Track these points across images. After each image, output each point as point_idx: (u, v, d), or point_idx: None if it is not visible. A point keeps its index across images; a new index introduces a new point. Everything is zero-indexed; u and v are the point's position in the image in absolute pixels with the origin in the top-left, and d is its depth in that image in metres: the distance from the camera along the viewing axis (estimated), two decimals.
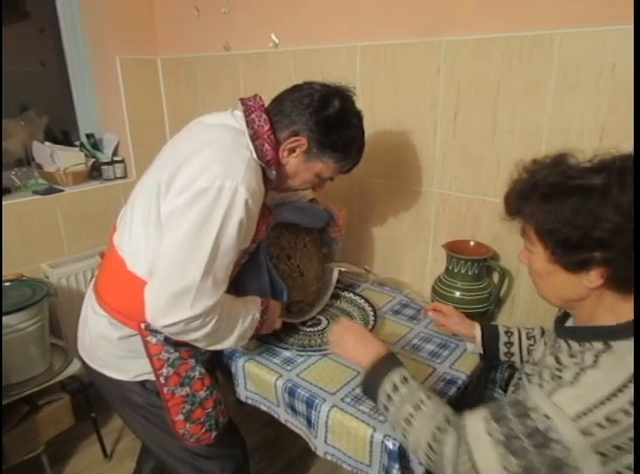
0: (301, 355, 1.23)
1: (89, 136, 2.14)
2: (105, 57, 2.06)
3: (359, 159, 1.12)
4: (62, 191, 1.95)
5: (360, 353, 1.00)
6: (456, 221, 1.43)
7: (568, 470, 0.69)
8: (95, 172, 2.15)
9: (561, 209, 0.73)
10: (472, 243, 1.38)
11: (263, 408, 1.23)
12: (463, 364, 1.20)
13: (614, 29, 1.05)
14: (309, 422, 1.10)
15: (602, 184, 0.71)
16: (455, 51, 1.29)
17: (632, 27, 1.02)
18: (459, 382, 1.13)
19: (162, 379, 1.10)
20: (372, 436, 0.98)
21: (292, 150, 1.04)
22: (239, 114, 1.04)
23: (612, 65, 1.07)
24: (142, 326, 1.05)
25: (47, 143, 2.01)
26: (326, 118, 1.02)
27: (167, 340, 1.06)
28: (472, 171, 1.35)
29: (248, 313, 1.09)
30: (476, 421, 0.77)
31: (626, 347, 0.70)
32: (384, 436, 0.97)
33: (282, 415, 1.18)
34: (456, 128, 1.35)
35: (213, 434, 1.17)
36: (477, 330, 1.17)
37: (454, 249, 1.33)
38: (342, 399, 1.07)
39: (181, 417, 1.12)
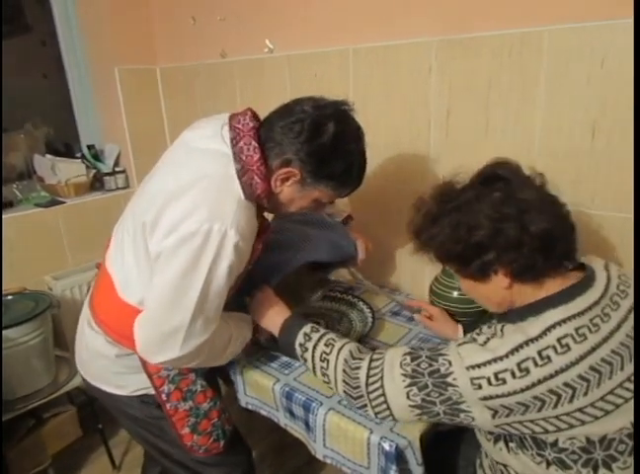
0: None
1: (90, 147, 2.16)
2: (104, 68, 2.08)
3: (359, 183, 1.05)
4: (64, 202, 1.97)
5: (268, 316, 1.11)
6: None
7: (461, 412, 0.79)
8: (97, 183, 2.17)
9: (442, 229, 0.84)
10: None
11: (263, 413, 1.23)
12: None
13: (603, 24, 1.05)
14: (307, 425, 1.10)
15: (466, 199, 0.83)
16: (446, 51, 1.29)
17: (621, 22, 1.02)
18: None
19: (164, 396, 1.10)
20: (369, 439, 0.98)
21: (286, 180, 0.98)
22: (228, 135, 0.97)
23: (602, 61, 1.06)
24: None
25: (49, 156, 2.04)
26: (319, 148, 0.93)
27: None
28: (466, 169, 1.34)
29: (240, 334, 1.10)
30: (396, 353, 0.88)
31: (533, 320, 0.78)
32: (381, 438, 0.96)
33: (282, 419, 1.18)
34: (449, 127, 1.35)
35: (222, 442, 1.17)
36: (460, 332, 1.20)
37: None
38: (339, 402, 1.07)
39: (187, 430, 1.13)
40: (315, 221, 1.35)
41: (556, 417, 0.74)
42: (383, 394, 0.86)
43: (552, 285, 0.82)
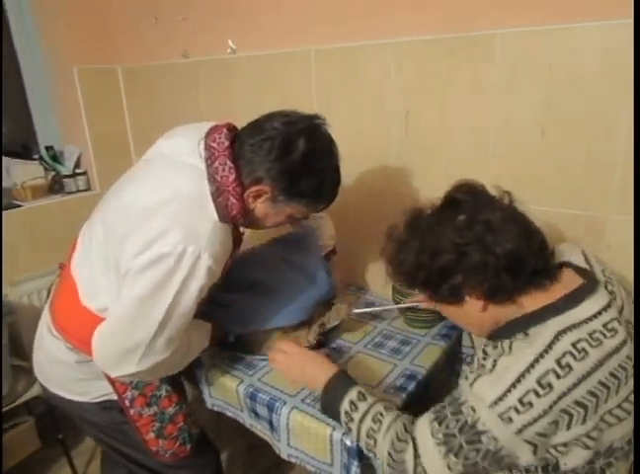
0: (264, 360, 1.23)
1: (48, 149, 2.10)
2: (62, 68, 2.03)
3: (332, 199, 1.04)
4: (21, 206, 1.91)
5: (310, 378, 1.01)
6: None
7: (507, 460, 0.72)
8: (56, 185, 2.11)
9: (408, 256, 0.84)
10: None
11: (229, 414, 1.23)
12: (424, 359, 1.22)
13: (551, 28, 1.09)
14: (271, 425, 1.10)
15: (427, 225, 0.83)
16: (404, 53, 1.31)
17: (568, 26, 1.06)
18: (419, 377, 1.15)
19: (127, 402, 1.08)
20: (332, 435, 0.99)
21: (258, 196, 0.97)
22: (204, 154, 0.95)
23: (550, 64, 1.10)
24: None
25: (4, 158, 1.97)
26: (290, 166, 0.92)
27: None
28: (425, 168, 1.38)
29: (198, 344, 1.10)
30: (423, 426, 0.81)
31: (539, 330, 0.76)
32: (343, 435, 0.98)
33: (247, 420, 1.18)
34: (409, 127, 1.37)
35: (188, 446, 1.16)
36: None
37: None
38: (302, 400, 1.08)
39: (152, 435, 1.11)
40: (298, 261, 1.32)
41: (586, 434, 0.71)
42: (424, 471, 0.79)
43: (532, 303, 0.80)
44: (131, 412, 1.09)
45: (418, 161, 1.39)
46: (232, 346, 1.25)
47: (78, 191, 2.11)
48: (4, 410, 1.57)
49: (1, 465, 1.54)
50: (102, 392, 1.09)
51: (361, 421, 0.89)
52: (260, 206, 0.99)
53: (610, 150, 1.08)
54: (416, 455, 0.79)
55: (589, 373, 0.70)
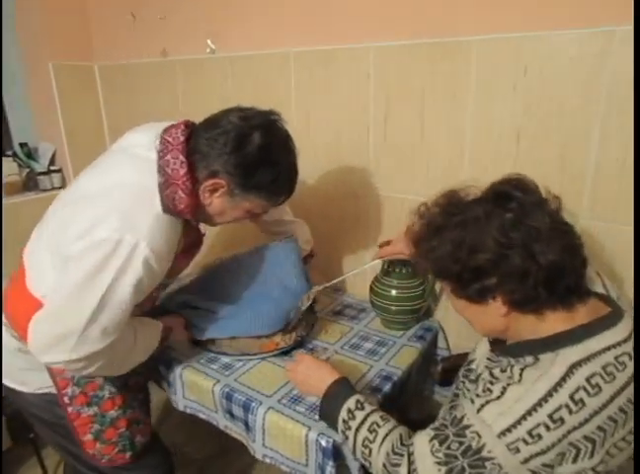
0: (240, 360, 1.23)
1: (22, 145, 2.06)
2: (37, 64, 1.98)
3: (289, 192, 1.05)
4: None
5: (312, 383, 1.01)
6: (392, 221, 1.47)
7: None
8: (31, 182, 2.07)
9: (444, 245, 0.77)
10: None
11: (202, 416, 1.22)
12: (399, 360, 1.23)
13: (525, 35, 1.11)
14: (247, 426, 1.10)
15: (474, 216, 0.75)
16: (383, 57, 1.33)
17: (540, 34, 1.09)
18: (395, 378, 1.16)
19: (66, 399, 1.06)
20: (307, 436, 0.99)
21: (214, 191, 0.98)
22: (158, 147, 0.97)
23: (525, 69, 1.13)
24: None
25: None
26: (245, 159, 0.93)
27: None
28: (404, 171, 1.40)
29: (145, 343, 1.08)
30: (423, 442, 0.78)
31: (551, 358, 0.73)
32: (318, 435, 0.98)
33: (221, 421, 1.17)
34: (387, 131, 1.39)
35: (128, 454, 1.14)
36: None
37: None
38: (278, 400, 1.08)
39: (90, 437, 1.09)
40: (278, 271, 1.32)
41: (592, 469, 0.70)
42: None
43: (554, 320, 0.76)
44: (69, 409, 1.07)
45: (397, 165, 1.40)
46: (202, 342, 1.26)
47: (53, 188, 2.07)
48: None
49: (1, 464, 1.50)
50: (42, 384, 1.07)
51: (358, 430, 0.89)
52: (217, 201, 1.00)
53: (582, 155, 1.12)
54: (410, 470, 0.78)
55: (600, 409, 0.68)
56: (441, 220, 0.79)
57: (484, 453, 0.70)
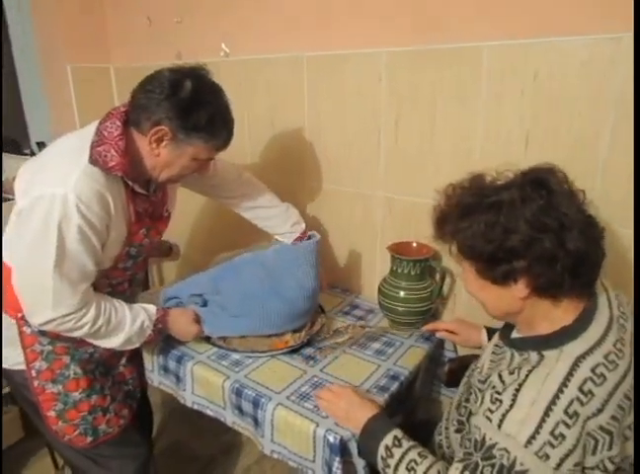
0: (250, 357, 1.25)
1: (40, 144, 2.10)
2: (55, 66, 2.03)
3: (228, 134, 1.10)
4: (12, 199, 1.90)
5: (351, 417, 1.01)
6: (401, 224, 1.48)
7: None
8: None
9: (477, 225, 0.78)
10: (415, 244, 1.43)
11: (209, 413, 1.24)
12: (406, 361, 1.25)
13: (535, 42, 1.13)
14: (256, 421, 1.12)
15: (510, 199, 0.76)
16: (394, 62, 1.35)
17: (550, 40, 1.11)
18: (402, 377, 1.18)
19: (34, 372, 1.11)
20: (315, 432, 1.01)
21: (160, 140, 1.03)
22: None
23: (534, 75, 1.15)
24: (19, 315, 1.08)
25: None
26: (181, 102, 1.00)
27: (42, 332, 1.09)
28: (414, 175, 1.41)
29: (135, 319, 1.13)
30: None
31: (556, 355, 0.74)
32: (326, 431, 1.00)
33: (229, 417, 1.19)
34: (398, 134, 1.41)
35: (88, 439, 1.17)
36: (484, 335, 1.18)
37: (398, 250, 1.37)
38: (287, 397, 1.10)
39: (53, 413, 1.14)
40: (294, 271, 1.31)
41: (610, 459, 0.71)
42: None
43: (568, 307, 0.79)
44: (35, 383, 1.12)
45: (407, 168, 1.42)
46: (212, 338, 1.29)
47: None
48: None
49: (1, 462, 1.54)
50: (18, 360, 1.12)
51: (396, 468, 0.90)
52: (164, 152, 1.05)
53: (591, 160, 1.13)
54: None
55: (609, 397, 0.70)
56: (473, 201, 0.80)
57: (517, 467, 0.69)
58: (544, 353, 0.76)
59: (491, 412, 0.74)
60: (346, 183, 1.57)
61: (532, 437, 0.69)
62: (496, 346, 0.91)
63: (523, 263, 0.75)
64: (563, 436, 0.68)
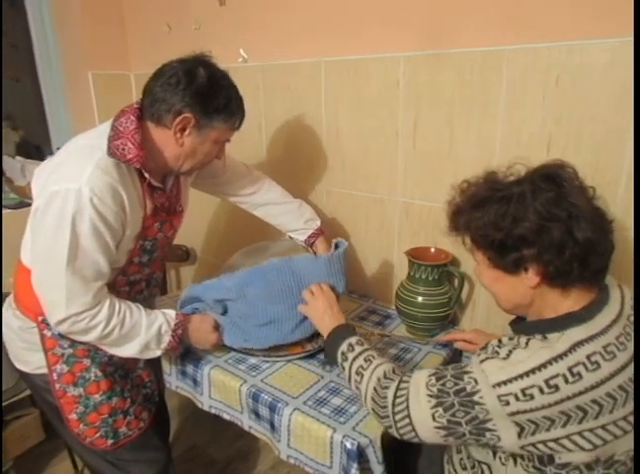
0: (267, 362, 1.25)
1: None
2: (77, 73, 2.07)
3: (243, 112, 1.14)
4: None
5: (325, 319, 1.13)
6: (418, 228, 1.47)
7: (487, 431, 0.76)
8: None
9: (487, 215, 0.82)
10: (433, 249, 1.42)
11: (226, 417, 1.24)
12: (425, 367, 1.23)
13: (557, 45, 1.11)
14: (272, 426, 1.11)
15: (520, 192, 0.80)
16: (413, 66, 1.35)
17: (573, 43, 1.09)
18: None
19: (55, 375, 1.12)
20: (332, 437, 1.00)
21: (183, 130, 1.06)
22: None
23: (556, 79, 1.13)
24: (40, 319, 1.09)
25: (19, 158, 2.02)
26: (199, 88, 1.03)
27: (62, 335, 1.10)
28: (432, 179, 1.40)
29: (152, 323, 1.13)
30: (422, 375, 0.86)
31: (557, 337, 0.77)
32: (343, 437, 0.99)
33: (246, 422, 1.19)
34: (416, 139, 1.40)
35: (109, 441, 1.17)
36: None
37: (416, 255, 1.36)
38: (304, 402, 1.10)
39: (74, 416, 1.15)
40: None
41: (579, 433, 0.73)
42: (408, 415, 0.83)
43: (577, 298, 0.81)
44: (57, 386, 1.13)
45: (425, 173, 1.41)
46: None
47: None
48: (9, 402, 1.60)
49: (1, 461, 1.56)
50: (39, 364, 1.14)
51: (355, 359, 0.99)
52: (187, 140, 1.07)
53: (615, 165, 1.11)
54: (396, 394, 0.86)
55: (598, 384, 0.72)
56: (486, 194, 0.84)
57: (475, 397, 0.76)
58: (548, 335, 0.78)
59: (484, 353, 0.81)
60: (363, 187, 1.57)
61: (503, 383, 0.73)
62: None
63: (533, 251, 0.78)
64: (532, 397, 0.72)
